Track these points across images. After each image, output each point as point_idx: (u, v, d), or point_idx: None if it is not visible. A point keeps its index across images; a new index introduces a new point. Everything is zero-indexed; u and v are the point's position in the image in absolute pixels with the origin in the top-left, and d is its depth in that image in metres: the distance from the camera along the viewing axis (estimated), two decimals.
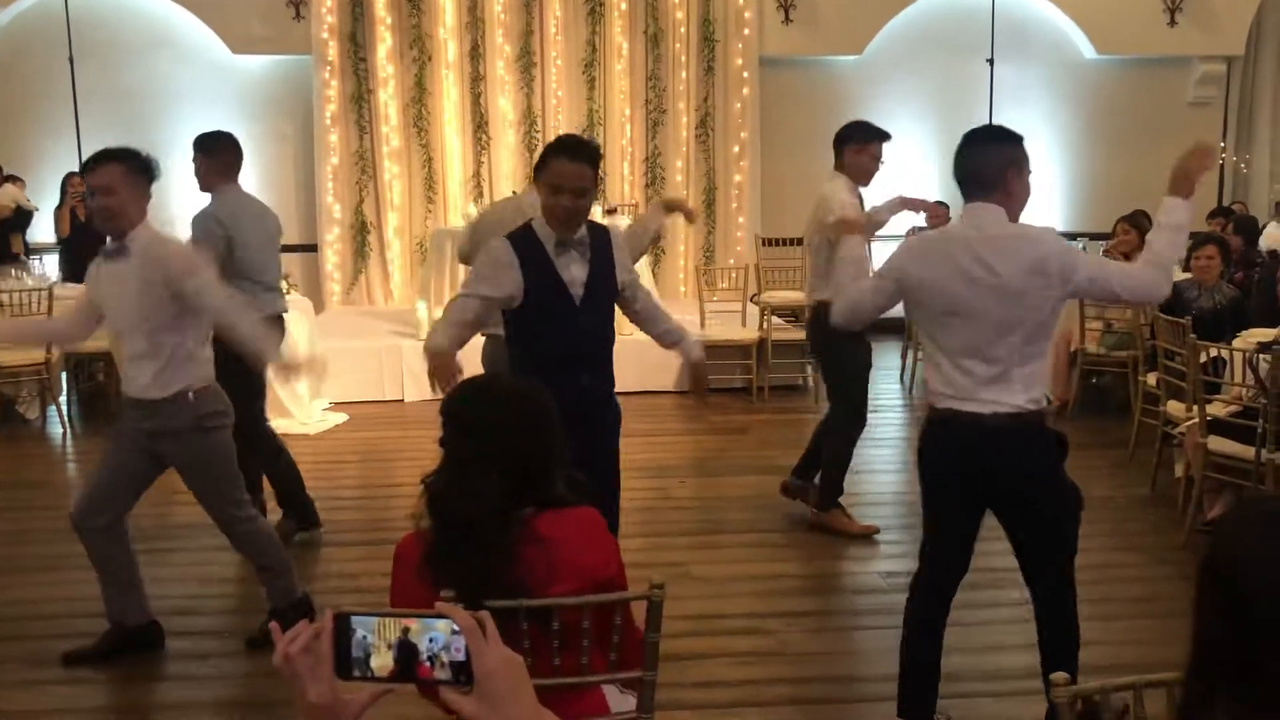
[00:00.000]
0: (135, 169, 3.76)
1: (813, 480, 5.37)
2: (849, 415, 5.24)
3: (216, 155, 5.10)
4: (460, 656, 1.17)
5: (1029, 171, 3.09)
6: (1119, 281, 3.07)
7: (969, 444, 3.08)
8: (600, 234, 3.67)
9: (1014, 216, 3.07)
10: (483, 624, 1.19)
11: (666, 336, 3.92)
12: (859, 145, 5.08)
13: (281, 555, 4.13)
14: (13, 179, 8.76)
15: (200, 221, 5.01)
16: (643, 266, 8.85)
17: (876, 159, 5.13)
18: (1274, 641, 1.24)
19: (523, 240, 3.54)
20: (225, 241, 4.92)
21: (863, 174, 5.10)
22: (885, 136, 5.16)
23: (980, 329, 3.00)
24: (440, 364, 3.54)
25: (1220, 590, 1.29)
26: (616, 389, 3.78)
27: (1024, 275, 2.95)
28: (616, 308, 3.77)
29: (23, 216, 8.65)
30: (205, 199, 5.09)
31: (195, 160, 5.14)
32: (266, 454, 5.19)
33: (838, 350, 5.10)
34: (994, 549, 3.48)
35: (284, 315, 5.41)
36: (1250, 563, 1.27)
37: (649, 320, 3.89)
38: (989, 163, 3.04)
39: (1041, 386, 3.13)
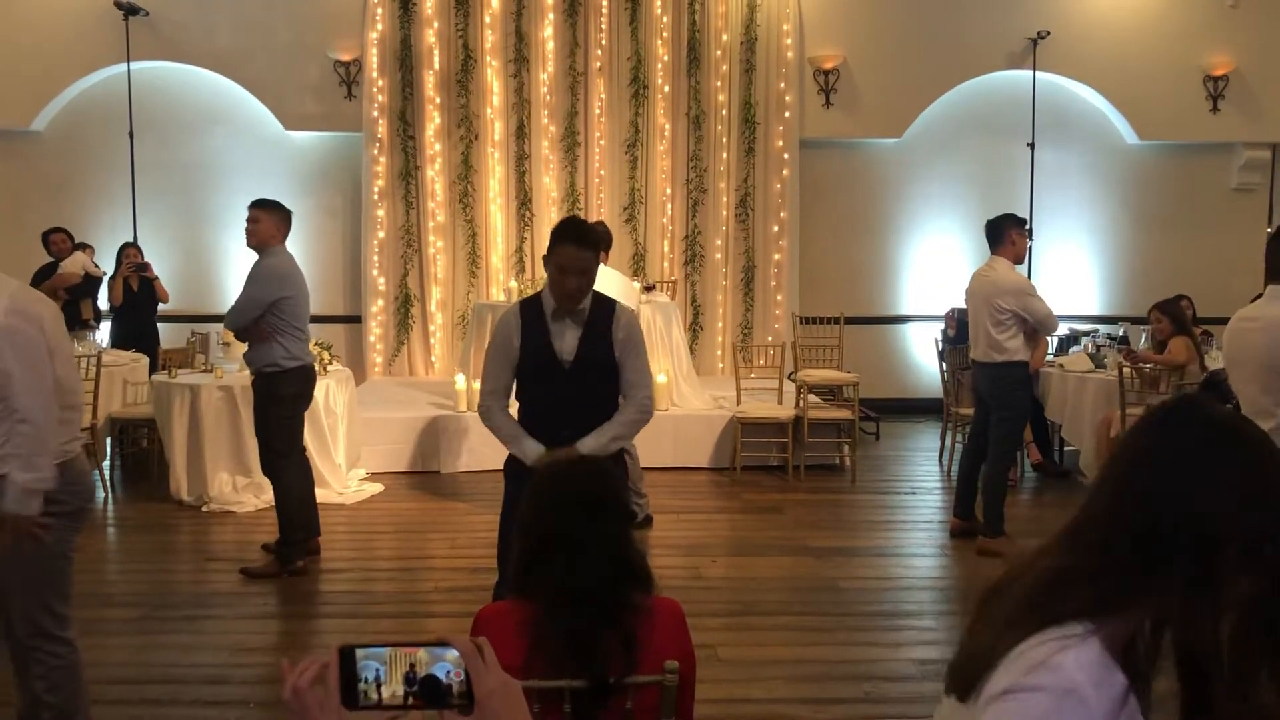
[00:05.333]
0: None
1: (974, 513, 6.30)
2: (1009, 452, 6.29)
3: (276, 217, 5.73)
4: (461, 680, 1.27)
5: None
6: None
7: None
8: (605, 310, 3.93)
9: None
10: (481, 649, 1.29)
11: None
12: (1020, 230, 5.96)
13: (78, 703, 3.34)
14: (83, 246, 9.02)
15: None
16: (681, 345, 8.93)
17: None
18: None
19: (529, 306, 3.96)
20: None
21: (1021, 256, 6.01)
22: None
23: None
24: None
25: None
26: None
27: None
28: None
29: (92, 283, 8.88)
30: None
31: (255, 217, 5.68)
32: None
33: (1020, 398, 6.11)
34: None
35: (311, 365, 5.95)
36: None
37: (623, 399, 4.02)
38: None
39: None
